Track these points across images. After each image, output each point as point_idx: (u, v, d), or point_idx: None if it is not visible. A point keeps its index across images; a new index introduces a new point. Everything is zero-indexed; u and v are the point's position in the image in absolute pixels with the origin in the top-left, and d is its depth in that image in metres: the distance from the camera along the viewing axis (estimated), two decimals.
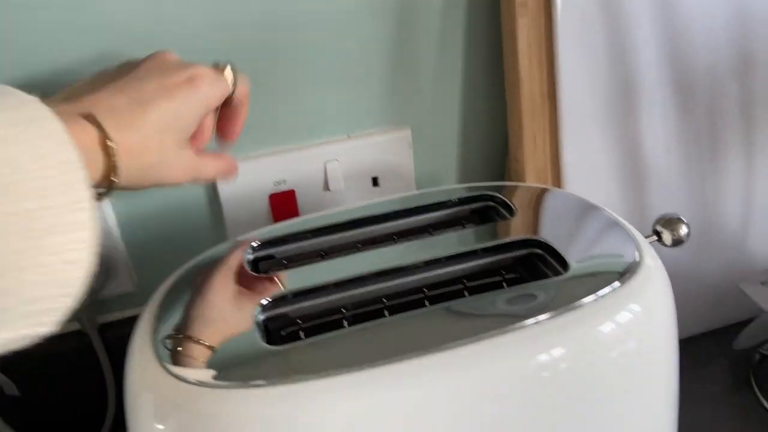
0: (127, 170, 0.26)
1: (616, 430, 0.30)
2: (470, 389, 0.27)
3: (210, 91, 0.31)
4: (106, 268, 0.43)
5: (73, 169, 0.21)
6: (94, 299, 0.44)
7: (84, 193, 0.22)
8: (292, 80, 0.43)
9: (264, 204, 0.46)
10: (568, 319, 0.28)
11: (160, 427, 0.27)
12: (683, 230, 0.35)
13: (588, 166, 0.46)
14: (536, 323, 0.27)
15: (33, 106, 0.22)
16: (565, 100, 0.44)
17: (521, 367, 0.27)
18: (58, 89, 0.30)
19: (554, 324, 0.27)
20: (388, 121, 0.47)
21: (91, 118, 0.25)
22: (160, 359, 0.28)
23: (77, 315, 0.43)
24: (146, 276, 0.45)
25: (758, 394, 0.47)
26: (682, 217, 0.35)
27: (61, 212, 0.21)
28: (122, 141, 0.26)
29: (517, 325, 0.27)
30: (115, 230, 0.43)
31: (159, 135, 0.28)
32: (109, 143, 0.25)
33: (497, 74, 0.47)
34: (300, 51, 0.43)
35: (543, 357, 0.27)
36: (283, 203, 0.46)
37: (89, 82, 0.29)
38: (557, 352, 0.28)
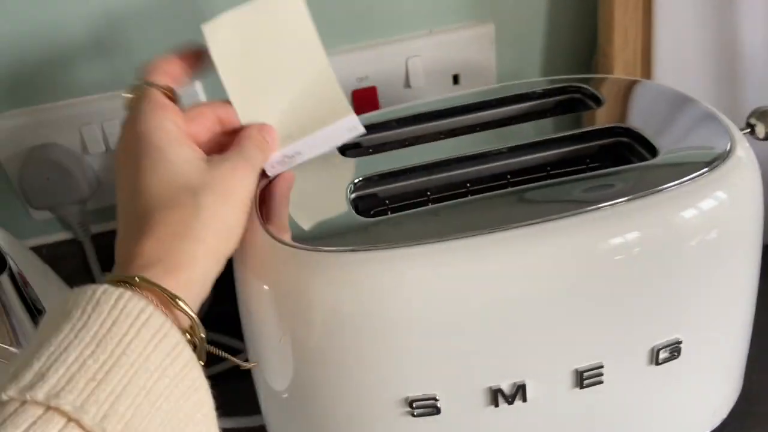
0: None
1: (687, 321, 0.31)
2: (541, 266, 0.28)
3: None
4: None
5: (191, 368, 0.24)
6: (85, 209, 0.47)
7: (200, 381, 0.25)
8: None
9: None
10: (647, 202, 0.28)
11: (266, 287, 0.30)
12: None
13: (681, 62, 0.44)
14: (612, 205, 0.28)
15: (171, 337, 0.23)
16: None
17: (592, 247, 0.28)
18: None
19: (632, 206, 0.28)
20: (471, 15, 0.46)
21: (177, 303, 0.25)
22: (262, 222, 0.30)
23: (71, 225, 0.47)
24: None
25: None
26: None
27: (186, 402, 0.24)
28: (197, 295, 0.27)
29: (593, 206, 0.28)
30: None
31: (223, 246, 0.28)
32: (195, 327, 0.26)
33: None
34: None
35: (617, 240, 0.28)
36: (365, 99, 0.47)
37: (126, 220, 0.28)
38: (632, 235, 0.28)
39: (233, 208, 0.28)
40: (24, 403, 0.20)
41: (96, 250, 0.49)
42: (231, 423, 0.43)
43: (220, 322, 0.37)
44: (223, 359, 0.29)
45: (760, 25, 0.44)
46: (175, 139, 0.29)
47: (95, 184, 0.46)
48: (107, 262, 0.49)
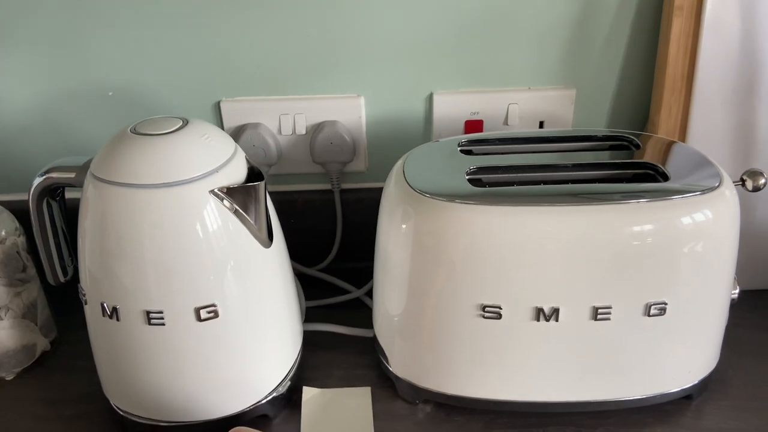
0: None
1: (674, 291, 0.46)
2: (584, 234, 0.44)
3: None
4: (353, 149, 0.66)
5: None
6: (342, 170, 0.67)
7: None
8: (496, 41, 0.62)
9: (460, 127, 0.66)
10: (658, 204, 0.44)
11: (404, 226, 0.48)
12: (761, 181, 0.50)
13: (709, 138, 0.60)
14: (636, 202, 0.44)
15: None
16: (700, 83, 0.59)
17: (617, 227, 0.44)
18: None
19: (646, 205, 0.44)
20: (559, 81, 0.65)
21: None
22: (410, 185, 0.49)
23: (331, 180, 0.67)
24: (374, 160, 0.68)
25: None
26: (763, 172, 0.50)
27: None
28: None
29: (622, 201, 0.45)
30: (364, 127, 0.66)
31: None
32: None
33: (651, 56, 0.63)
34: (502, 21, 0.61)
35: (634, 224, 0.44)
36: (474, 128, 0.66)
37: None
38: (647, 227, 0.45)
39: None
40: None
41: (341, 202, 0.69)
42: (349, 331, 0.61)
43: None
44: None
45: None
46: None
47: (353, 152, 0.67)
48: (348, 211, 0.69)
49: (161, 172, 0.43)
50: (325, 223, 0.70)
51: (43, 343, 0.59)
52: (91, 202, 0.45)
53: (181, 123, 0.46)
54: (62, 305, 0.62)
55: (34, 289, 0.58)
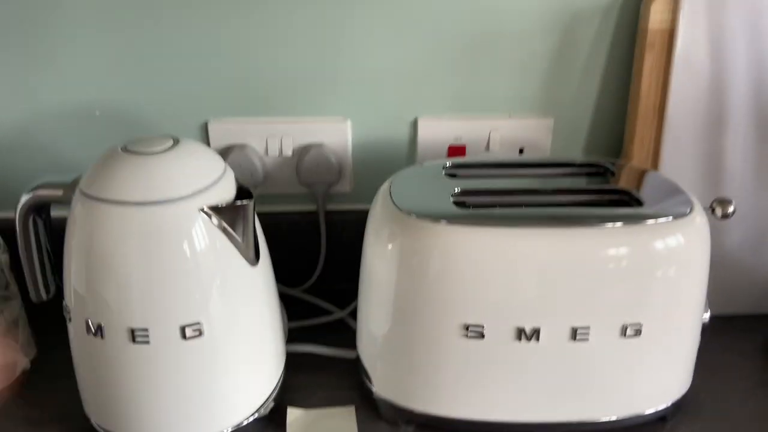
0: None
1: (648, 313, 0.47)
2: (560, 255, 0.46)
3: None
4: (339, 170, 0.67)
5: None
6: (327, 192, 0.68)
7: None
8: (478, 70, 0.65)
9: (443, 151, 0.68)
10: (633, 228, 0.46)
11: (390, 246, 0.50)
12: (730, 209, 0.52)
13: (679, 167, 0.63)
14: (611, 225, 0.46)
15: None
16: (671, 115, 0.62)
17: (593, 249, 0.46)
18: None
19: (623, 229, 0.46)
20: (538, 111, 0.67)
21: None
22: (396, 206, 0.50)
23: (316, 201, 0.68)
24: (359, 182, 0.69)
25: None
26: (731, 200, 0.52)
27: None
28: None
29: (598, 224, 0.46)
30: (349, 149, 0.67)
31: None
32: None
33: (625, 89, 0.66)
34: (485, 51, 0.64)
35: (611, 251, 0.46)
36: (457, 153, 0.68)
37: None
38: (622, 250, 0.46)
39: None
40: None
41: (326, 223, 0.70)
42: (332, 352, 0.61)
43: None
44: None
45: (739, 154, 0.62)
46: None
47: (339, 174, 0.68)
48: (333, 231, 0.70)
49: (152, 190, 0.44)
50: (309, 244, 0.71)
51: (23, 362, 0.59)
52: (79, 218, 0.45)
53: (171, 142, 0.47)
54: (41, 325, 0.61)
55: (15, 306, 0.58)
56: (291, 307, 0.64)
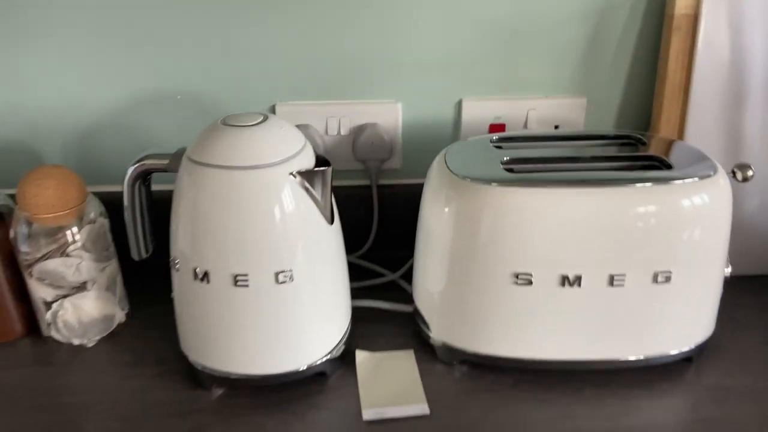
0: None
1: (676, 262, 0.54)
2: (599, 212, 0.53)
3: None
4: (390, 148, 0.75)
5: None
6: (379, 168, 0.76)
7: None
8: (517, 55, 0.72)
9: (485, 130, 0.75)
10: (663, 188, 0.53)
11: (447, 209, 0.57)
12: (749, 173, 0.59)
13: (703, 141, 0.69)
14: (644, 187, 0.53)
15: None
16: (695, 93, 0.68)
17: (627, 206, 0.53)
18: None
19: (654, 189, 0.53)
20: (572, 91, 0.74)
21: None
22: (453, 172, 0.57)
23: (370, 176, 0.75)
24: (408, 159, 0.77)
25: None
26: (750, 165, 0.59)
27: None
28: None
29: (634, 184, 0.53)
30: (400, 129, 0.75)
31: None
32: None
33: (652, 70, 0.72)
34: (524, 39, 0.71)
35: (643, 208, 0.53)
36: (497, 131, 0.75)
37: None
38: (652, 208, 0.53)
39: None
40: None
41: (378, 196, 0.77)
42: (390, 306, 0.69)
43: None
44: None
45: (758, 128, 0.69)
46: None
47: (390, 151, 0.75)
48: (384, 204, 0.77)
49: (250, 157, 0.51)
50: (363, 215, 0.78)
51: (120, 315, 0.67)
52: (187, 182, 0.53)
53: (262, 117, 0.55)
54: (131, 284, 0.70)
55: (114, 265, 0.66)
56: (348, 271, 0.72)
